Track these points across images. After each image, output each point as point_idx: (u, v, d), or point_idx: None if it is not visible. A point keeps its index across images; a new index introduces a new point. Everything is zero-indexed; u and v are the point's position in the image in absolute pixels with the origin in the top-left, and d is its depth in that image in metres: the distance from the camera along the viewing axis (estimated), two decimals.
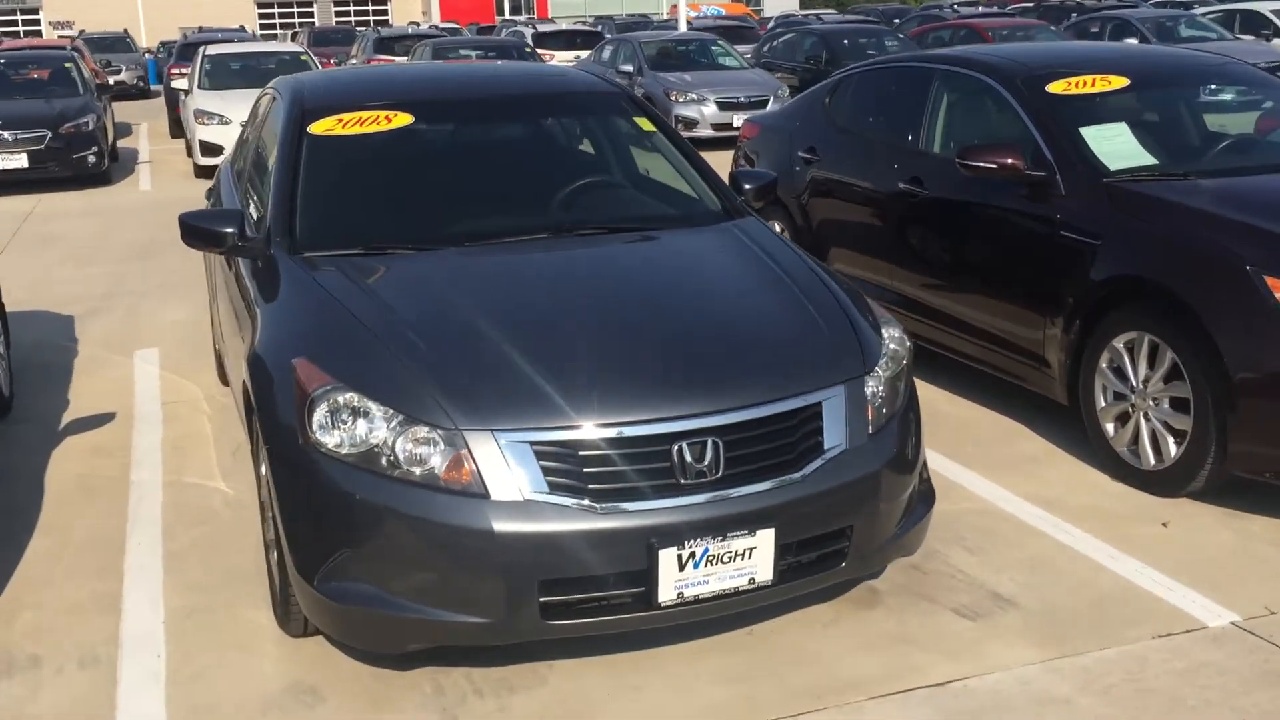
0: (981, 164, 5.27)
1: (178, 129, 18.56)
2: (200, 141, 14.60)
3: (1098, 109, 5.50)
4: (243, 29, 37.68)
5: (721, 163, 7.75)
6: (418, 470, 3.15)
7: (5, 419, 5.89)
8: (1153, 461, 4.68)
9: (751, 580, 3.24)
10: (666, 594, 3.16)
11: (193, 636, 3.80)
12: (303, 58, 16.95)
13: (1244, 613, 3.80)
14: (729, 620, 3.66)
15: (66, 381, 6.56)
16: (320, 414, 3.24)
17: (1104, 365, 4.86)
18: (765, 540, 3.20)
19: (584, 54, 23.86)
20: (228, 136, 14.47)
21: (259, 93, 5.96)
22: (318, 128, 4.54)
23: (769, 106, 16.65)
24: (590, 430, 3.15)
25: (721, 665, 3.56)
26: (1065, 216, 5.07)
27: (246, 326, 4.06)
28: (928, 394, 5.88)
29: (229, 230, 4.17)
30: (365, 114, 4.60)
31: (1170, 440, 4.60)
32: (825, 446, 3.35)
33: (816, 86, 7.50)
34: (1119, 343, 4.77)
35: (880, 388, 3.56)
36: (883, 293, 6.24)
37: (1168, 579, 4.03)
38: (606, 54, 20.13)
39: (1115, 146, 5.23)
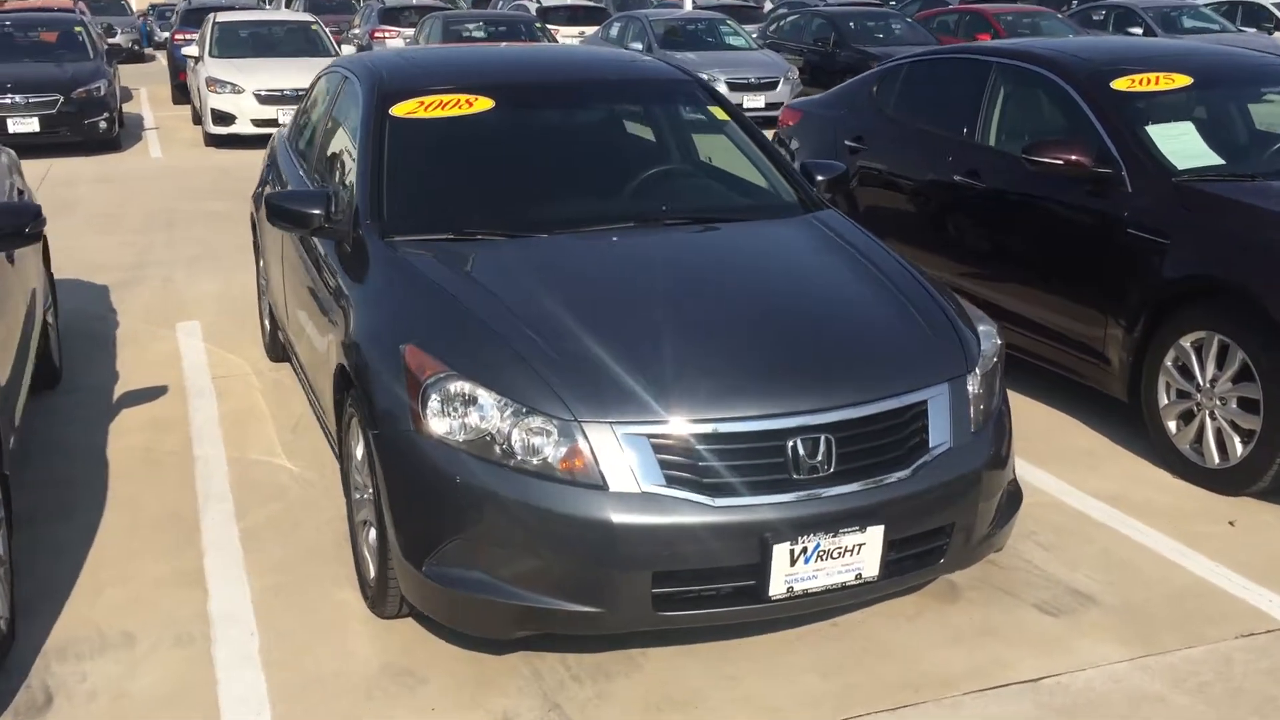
0: (1048, 159, 5.29)
1: (181, 95, 18.42)
2: (212, 110, 14.50)
3: (1162, 107, 5.53)
4: None
5: None
6: (534, 460, 3.16)
7: (55, 390, 5.87)
8: (1217, 460, 4.73)
9: (858, 575, 3.28)
10: (777, 588, 3.19)
11: (282, 615, 3.81)
12: (313, 27, 16.83)
13: None
14: (816, 612, 3.70)
15: (112, 353, 6.54)
16: (434, 401, 3.24)
17: (1169, 363, 4.90)
18: (874, 537, 3.23)
19: (588, 30, 23.75)
20: (239, 105, 14.40)
21: (319, 70, 5.93)
22: (400, 110, 4.53)
23: (779, 87, 16.65)
24: (705, 425, 3.17)
25: (814, 657, 3.59)
26: (1132, 214, 5.10)
27: (334, 309, 4.05)
28: None
29: (316, 211, 4.16)
30: (446, 97, 4.59)
31: (1237, 439, 4.65)
32: (931, 444, 3.38)
33: (862, 75, 7.51)
34: (1186, 341, 4.81)
35: (979, 387, 3.59)
36: None
37: (1243, 578, 4.08)
38: (615, 31, 20.04)
39: (1182, 145, 5.26)
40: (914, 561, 3.43)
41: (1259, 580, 4.07)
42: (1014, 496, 3.85)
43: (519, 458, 3.17)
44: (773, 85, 16.74)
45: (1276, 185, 4.98)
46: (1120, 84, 5.54)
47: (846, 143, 7.07)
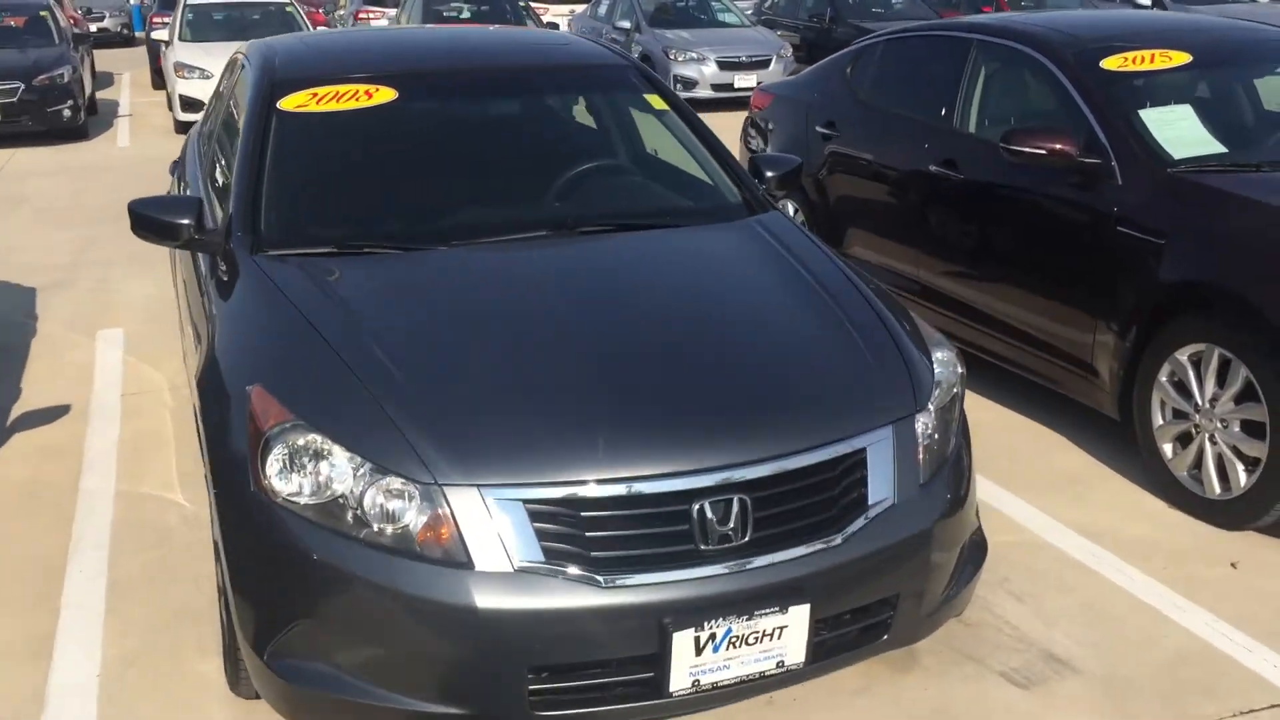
0: (1028, 149, 4.73)
1: (160, 80, 17.87)
2: (180, 96, 13.95)
3: (1158, 89, 4.96)
4: None
5: (721, 126, 7.20)
6: (389, 529, 2.64)
7: None
8: (1218, 490, 4.19)
9: (780, 663, 2.74)
10: (680, 681, 2.66)
11: (130, 692, 3.30)
12: (289, 9, 16.24)
13: None
14: None
15: (20, 367, 6.03)
16: (276, 456, 2.72)
17: (1163, 379, 4.35)
18: (798, 617, 2.70)
19: (579, 7, 23.11)
20: (207, 91, 13.82)
21: (234, 52, 5.40)
22: (289, 103, 3.99)
23: (771, 66, 16.03)
24: (592, 487, 2.64)
25: None
26: (1122, 210, 4.54)
27: (201, 337, 3.53)
28: None
29: (184, 222, 3.62)
30: (343, 88, 4.05)
31: (1240, 468, 4.10)
32: (870, 501, 2.84)
33: (837, 55, 6.93)
34: (1183, 355, 4.26)
35: (932, 426, 3.05)
36: (905, 281, 5.73)
37: (1244, 636, 3.55)
38: (603, 9, 19.42)
39: (1178, 131, 4.69)
40: (851, 640, 2.90)
41: (1262, 638, 3.54)
42: (977, 548, 3.32)
43: (373, 527, 2.65)
44: (765, 64, 16.11)
45: None
46: (1111, 63, 4.96)
47: (818, 129, 6.51)
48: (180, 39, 14.89)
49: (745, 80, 15.76)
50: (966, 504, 3.13)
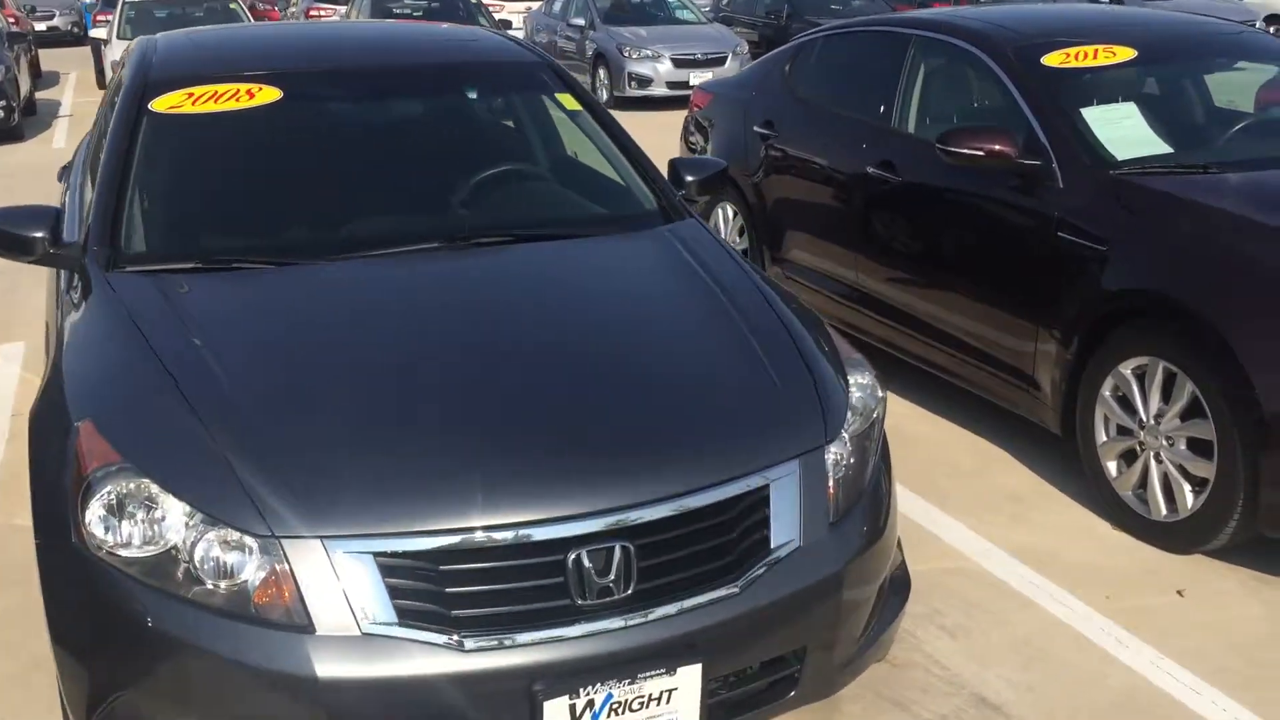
0: (965, 150, 4.47)
1: (103, 80, 17.44)
2: None
3: (1101, 86, 4.71)
4: None
5: (676, 125, 6.94)
6: (223, 587, 2.34)
7: None
8: (1164, 512, 3.94)
9: None
10: None
11: None
12: (232, 5, 15.86)
13: None
14: None
15: None
16: (99, 503, 2.41)
17: (1107, 393, 4.10)
18: (689, 679, 2.42)
19: (534, 5, 22.75)
20: None
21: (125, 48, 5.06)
22: (161, 104, 3.67)
23: (727, 64, 15.76)
24: (453, 536, 2.34)
25: None
26: (1063, 214, 4.29)
27: (48, 364, 3.21)
28: (893, 409, 5.12)
29: (38, 235, 3.29)
30: (223, 87, 3.73)
31: (1187, 488, 3.85)
32: (773, 544, 2.56)
33: (776, 51, 6.66)
34: (1126, 368, 4.01)
35: (846, 456, 2.77)
36: (844, 288, 5.46)
37: (1190, 675, 3.29)
38: (557, 6, 19.05)
39: (1123, 131, 4.44)
40: (755, 698, 2.61)
41: (1209, 675, 3.29)
42: (900, 585, 3.04)
43: (206, 584, 2.35)
44: (720, 61, 15.83)
45: (1233, 179, 4.18)
46: (1053, 59, 4.71)
47: (756, 128, 6.23)
48: (119, 36, 14.52)
49: (701, 77, 15.44)
50: (885, 539, 2.86)
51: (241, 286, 3.14)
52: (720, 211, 6.57)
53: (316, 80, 3.93)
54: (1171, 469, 3.90)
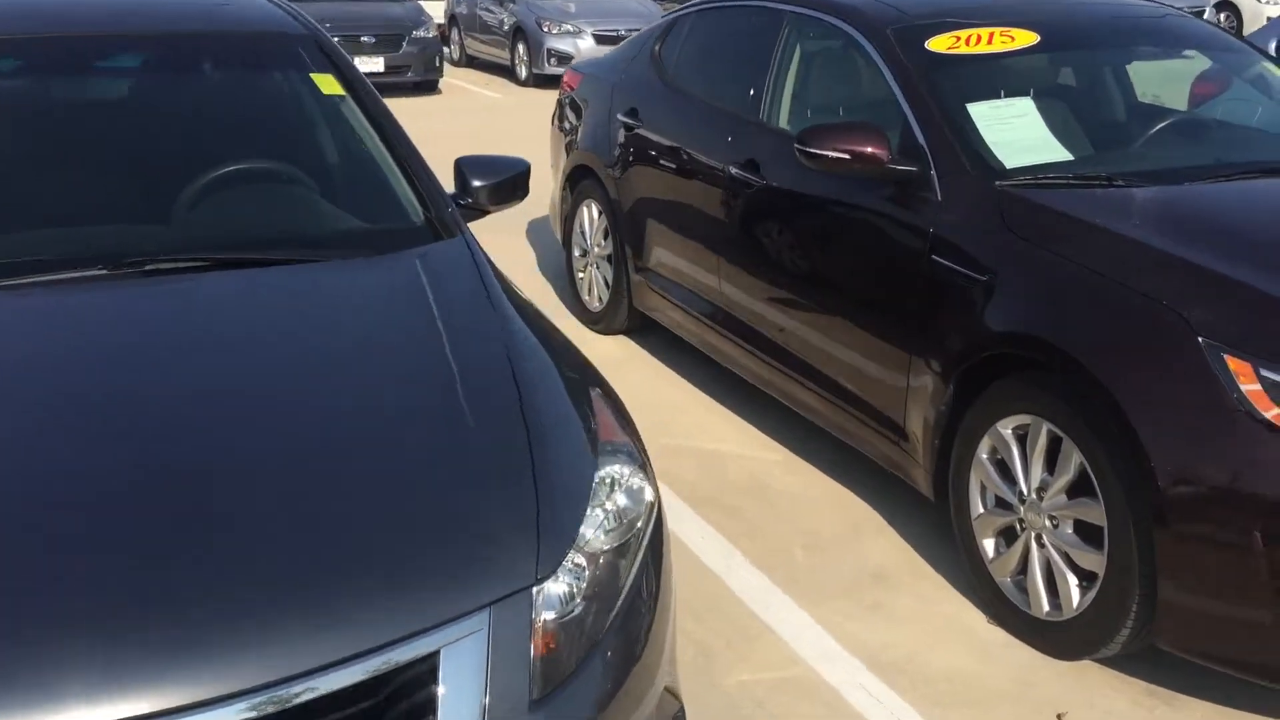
0: (829, 153, 3.69)
1: None
2: None
3: (995, 76, 3.94)
4: None
5: None
6: None
7: None
8: (1046, 608, 3.19)
9: None
10: None
11: None
12: None
13: None
14: None
15: None
16: None
17: (984, 455, 3.35)
18: None
19: None
20: None
21: None
22: None
23: None
24: None
25: None
26: (940, 232, 3.53)
27: None
28: (761, 456, 4.35)
29: None
30: None
31: (1073, 582, 3.11)
32: None
33: (649, 27, 5.86)
34: (1006, 427, 3.26)
35: (579, 592, 1.98)
36: (707, 306, 4.70)
37: None
38: None
39: (1016, 132, 3.68)
40: None
41: None
42: None
43: None
44: None
45: (1139, 195, 3.43)
46: (938, 44, 3.94)
47: (620, 116, 5.44)
48: None
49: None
50: (638, 700, 2.08)
51: None
52: (585, 211, 5.77)
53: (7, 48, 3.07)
54: (1055, 556, 3.15)
